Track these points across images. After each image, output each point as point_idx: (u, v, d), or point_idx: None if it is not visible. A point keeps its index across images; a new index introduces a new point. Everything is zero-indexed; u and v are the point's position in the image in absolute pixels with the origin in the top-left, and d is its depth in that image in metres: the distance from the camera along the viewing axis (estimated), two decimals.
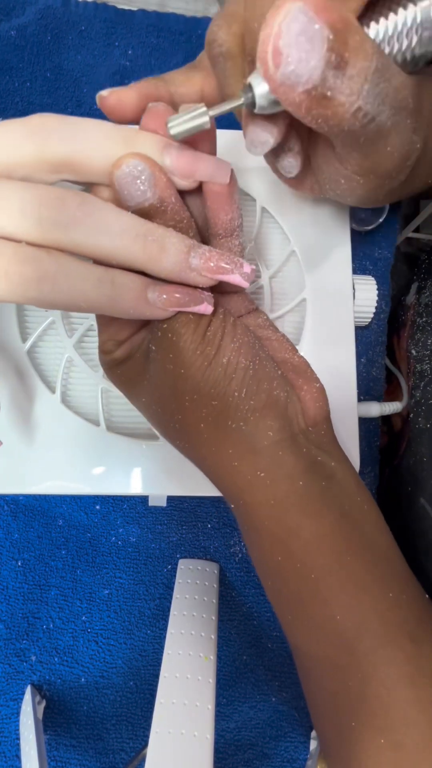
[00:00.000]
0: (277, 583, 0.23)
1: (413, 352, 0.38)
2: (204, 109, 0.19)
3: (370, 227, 0.38)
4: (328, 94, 0.17)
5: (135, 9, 0.42)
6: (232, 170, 0.21)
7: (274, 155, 0.24)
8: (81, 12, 0.41)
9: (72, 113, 0.40)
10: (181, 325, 0.21)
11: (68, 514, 0.36)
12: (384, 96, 0.18)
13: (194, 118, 0.19)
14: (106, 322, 0.23)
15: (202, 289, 0.21)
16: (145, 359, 0.23)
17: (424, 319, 0.37)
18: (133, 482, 0.29)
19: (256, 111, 0.19)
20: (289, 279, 0.32)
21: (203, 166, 0.20)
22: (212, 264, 0.20)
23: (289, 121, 0.21)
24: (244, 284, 0.21)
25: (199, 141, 0.20)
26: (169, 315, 0.21)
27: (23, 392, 0.29)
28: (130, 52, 0.41)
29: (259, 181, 0.33)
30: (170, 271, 0.20)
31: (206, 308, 0.21)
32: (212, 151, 0.21)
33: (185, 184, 0.21)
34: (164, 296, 0.20)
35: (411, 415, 0.37)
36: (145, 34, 0.41)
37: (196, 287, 0.21)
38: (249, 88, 0.19)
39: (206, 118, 0.19)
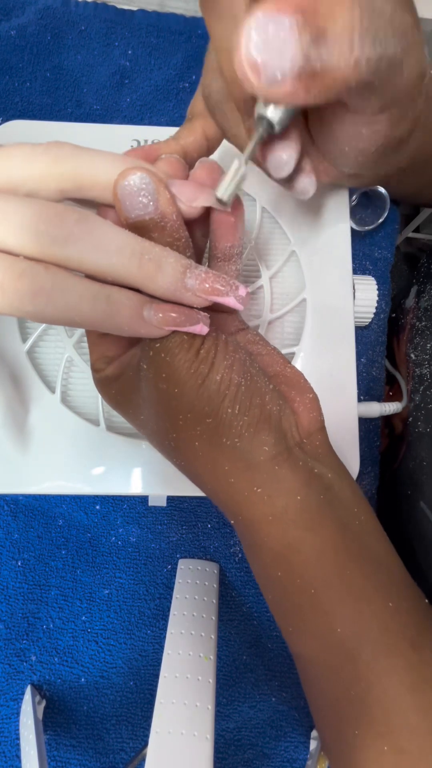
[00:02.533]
0: (277, 597, 0.24)
1: (412, 356, 0.38)
2: (237, 164, 0.20)
3: (370, 227, 0.38)
4: (318, 66, 0.17)
5: (135, 9, 0.42)
6: (238, 201, 0.22)
7: (288, 183, 0.25)
8: (81, 12, 0.41)
9: (72, 113, 0.40)
10: (174, 345, 0.21)
11: (68, 514, 0.36)
12: (382, 31, 0.18)
13: (234, 176, 0.20)
14: (95, 339, 0.23)
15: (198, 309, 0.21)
16: (137, 377, 0.23)
17: (423, 323, 0.37)
18: (132, 482, 0.29)
19: (276, 130, 0.20)
20: (289, 279, 0.32)
21: (204, 196, 0.21)
22: (207, 285, 0.20)
23: (299, 131, 0.22)
24: (239, 307, 0.21)
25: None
26: (164, 333, 0.20)
27: (23, 392, 0.29)
28: (130, 52, 0.41)
29: (259, 181, 0.33)
30: (165, 290, 0.20)
31: (201, 329, 0.21)
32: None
33: (189, 211, 0.21)
34: (160, 315, 0.20)
35: (410, 419, 0.37)
36: (145, 34, 0.41)
37: (191, 307, 0.21)
38: (260, 117, 0.20)
39: (243, 170, 0.20)
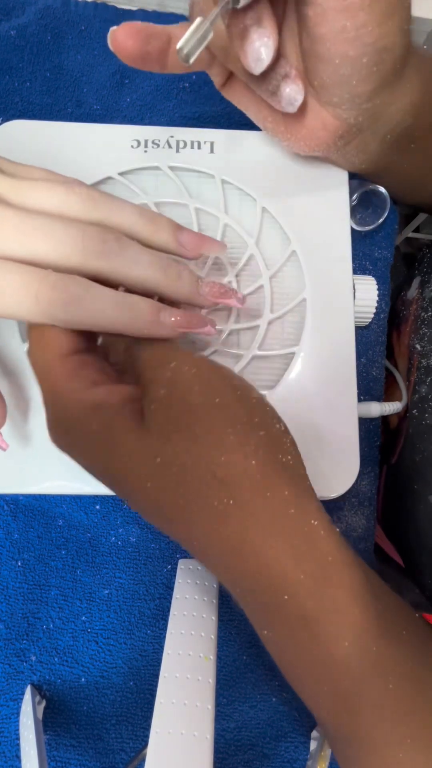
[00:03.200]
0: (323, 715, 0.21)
1: (417, 347, 0.37)
2: (200, 20, 0.22)
3: (370, 227, 0.38)
4: None
5: (135, 9, 0.42)
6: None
7: (274, 95, 0.26)
8: (81, 12, 0.41)
9: (72, 113, 0.40)
10: (200, 357, 0.22)
11: (68, 514, 0.36)
12: None
13: (196, 32, 0.22)
14: (64, 359, 0.21)
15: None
16: (148, 407, 0.20)
17: (429, 314, 0.37)
18: None
19: (241, 4, 0.21)
20: (289, 279, 0.32)
21: (207, 246, 0.26)
22: (216, 290, 0.25)
23: (273, 19, 0.23)
24: (239, 305, 0.26)
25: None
26: (177, 334, 0.23)
27: (23, 392, 0.29)
28: None
29: (259, 180, 0.33)
30: (185, 295, 0.24)
31: (210, 330, 0.24)
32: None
33: (191, 255, 0.26)
34: (178, 318, 0.23)
35: (415, 411, 0.36)
36: None
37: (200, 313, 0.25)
38: None
39: (206, 27, 0.22)
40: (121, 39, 0.25)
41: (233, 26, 0.23)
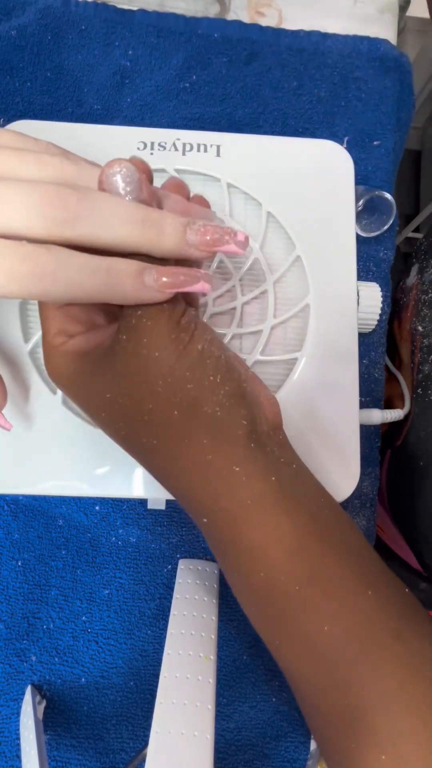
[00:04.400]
0: (262, 605, 0.23)
1: (419, 328, 0.37)
2: None
3: (375, 233, 0.38)
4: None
5: (135, 9, 0.42)
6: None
7: None
8: (81, 12, 0.41)
9: (72, 113, 0.40)
10: (156, 311, 0.21)
11: (68, 515, 0.36)
12: None
13: None
14: (54, 312, 0.23)
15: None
16: (109, 351, 0.22)
17: (429, 296, 0.37)
18: (132, 485, 0.29)
19: None
20: (293, 284, 0.32)
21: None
22: (208, 237, 0.21)
23: None
24: (241, 252, 0.22)
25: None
26: (167, 297, 0.21)
27: (25, 392, 0.29)
28: (130, 52, 0.41)
29: (265, 185, 0.33)
30: (171, 251, 0.21)
31: (203, 286, 0.21)
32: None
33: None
34: (164, 279, 0.21)
35: (419, 390, 0.36)
36: (145, 34, 0.41)
37: (191, 267, 0.22)
38: None
39: None
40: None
41: None
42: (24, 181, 0.19)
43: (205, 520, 0.23)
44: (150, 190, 0.21)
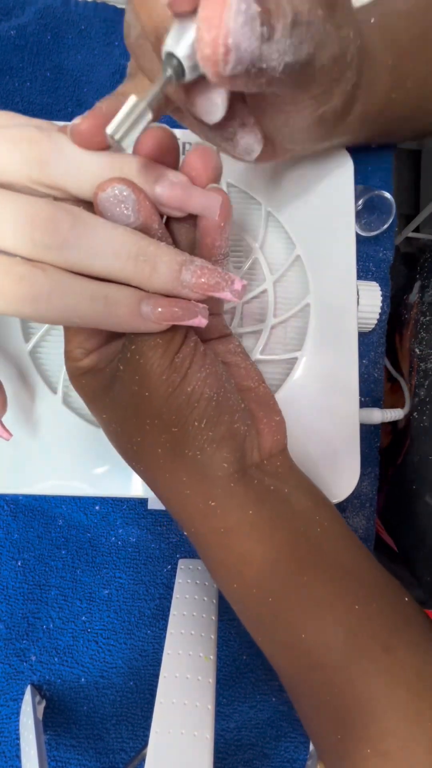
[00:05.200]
0: (239, 607, 0.24)
1: (417, 350, 0.38)
2: (133, 100, 0.17)
3: (375, 233, 0.38)
4: (264, 66, 0.17)
5: None
6: (225, 202, 0.20)
7: (230, 142, 0.22)
8: (81, 11, 0.41)
9: (72, 112, 0.40)
10: (149, 348, 0.20)
11: (68, 515, 0.36)
12: (304, 37, 0.17)
13: (129, 115, 0.17)
14: (74, 329, 0.23)
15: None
16: (112, 375, 0.22)
17: (428, 318, 0.37)
18: (132, 485, 0.29)
19: (187, 77, 0.17)
20: (293, 284, 0.32)
21: (195, 201, 0.20)
22: (204, 280, 0.20)
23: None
24: (235, 300, 0.21)
25: (164, 154, 0.20)
26: (162, 328, 0.20)
27: (25, 392, 0.29)
28: None
29: (265, 184, 0.33)
30: (162, 289, 0.20)
31: (200, 321, 0.20)
32: (178, 162, 0.21)
33: (176, 214, 0.21)
34: (159, 309, 0.20)
35: (415, 414, 0.36)
36: None
37: (189, 300, 0.21)
38: (170, 56, 0.17)
39: (142, 107, 0.17)
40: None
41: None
42: (20, 196, 0.18)
43: (185, 533, 0.24)
44: (149, 210, 0.20)
